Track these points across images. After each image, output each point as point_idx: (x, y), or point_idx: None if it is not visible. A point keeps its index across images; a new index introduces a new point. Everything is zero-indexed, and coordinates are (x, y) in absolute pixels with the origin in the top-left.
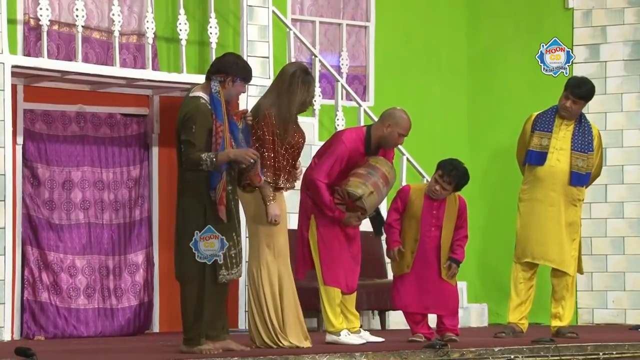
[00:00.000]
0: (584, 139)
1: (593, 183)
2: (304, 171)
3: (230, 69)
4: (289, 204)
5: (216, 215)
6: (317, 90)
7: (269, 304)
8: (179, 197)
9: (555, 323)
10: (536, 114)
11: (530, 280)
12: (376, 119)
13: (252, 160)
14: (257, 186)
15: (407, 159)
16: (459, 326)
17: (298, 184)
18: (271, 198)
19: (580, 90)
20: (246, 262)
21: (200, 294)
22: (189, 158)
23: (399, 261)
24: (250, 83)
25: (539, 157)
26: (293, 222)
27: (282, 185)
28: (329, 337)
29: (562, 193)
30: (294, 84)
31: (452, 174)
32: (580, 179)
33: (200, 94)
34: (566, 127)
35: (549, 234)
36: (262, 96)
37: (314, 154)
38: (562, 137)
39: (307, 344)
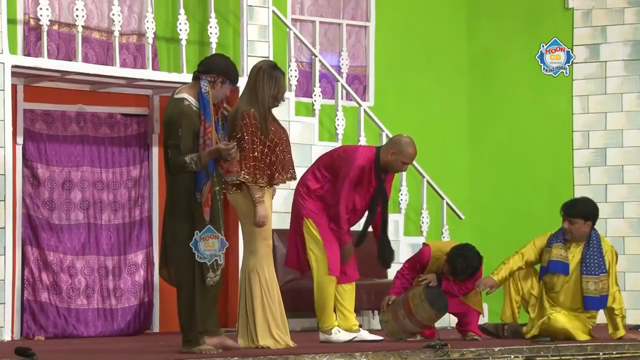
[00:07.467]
0: (593, 261)
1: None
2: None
3: (221, 70)
4: (286, 205)
5: (202, 217)
6: (298, 85)
7: (276, 300)
8: (167, 200)
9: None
10: (549, 234)
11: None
12: (376, 119)
13: (232, 152)
14: (238, 180)
15: None
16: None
17: (293, 184)
18: (260, 199)
19: (574, 210)
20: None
21: (194, 295)
22: (175, 162)
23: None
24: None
25: (564, 267)
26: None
27: (262, 184)
28: (322, 336)
29: (571, 301)
30: (260, 79)
31: (466, 272)
32: (594, 302)
33: (185, 95)
34: (575, 248)
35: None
36: (239, 99)
37: (314, 154)
38: (571, 258)
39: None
